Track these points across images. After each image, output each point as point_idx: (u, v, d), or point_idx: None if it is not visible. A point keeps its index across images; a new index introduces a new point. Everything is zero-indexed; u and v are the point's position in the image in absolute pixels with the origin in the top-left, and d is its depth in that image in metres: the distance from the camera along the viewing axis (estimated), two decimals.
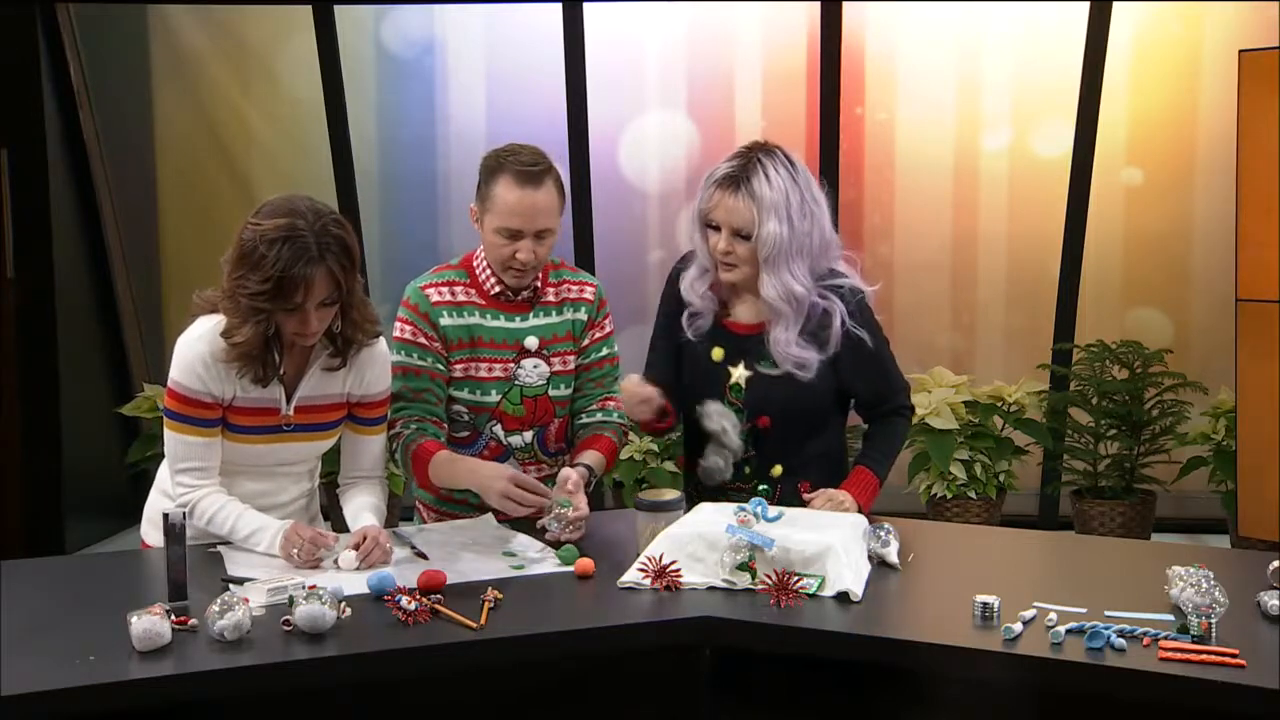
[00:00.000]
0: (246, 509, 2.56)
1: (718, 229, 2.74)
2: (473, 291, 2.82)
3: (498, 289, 2.81)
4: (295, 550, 2.45)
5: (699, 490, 2.88)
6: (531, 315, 2.84)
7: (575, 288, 2.89)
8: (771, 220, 2.68)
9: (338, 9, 5.48)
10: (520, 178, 2.69)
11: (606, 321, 2.92)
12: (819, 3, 5.39)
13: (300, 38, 5.61)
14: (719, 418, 2.79)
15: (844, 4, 5.40)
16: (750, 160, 2.72)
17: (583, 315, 2.88)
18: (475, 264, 2.84)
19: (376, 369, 2.68)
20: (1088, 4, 5.28)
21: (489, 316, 2.82)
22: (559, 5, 5.38)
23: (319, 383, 2.61)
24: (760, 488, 2.58)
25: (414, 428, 2.76)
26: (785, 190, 2.69)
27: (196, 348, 2.52)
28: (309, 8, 5.47)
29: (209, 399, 2.53)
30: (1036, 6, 5.52)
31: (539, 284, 2.83)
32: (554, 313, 2.85)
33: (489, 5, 5.68)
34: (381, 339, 2.68)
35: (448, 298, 2.81)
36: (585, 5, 5.40)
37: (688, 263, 2.90)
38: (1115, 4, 5.27)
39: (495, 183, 2.71)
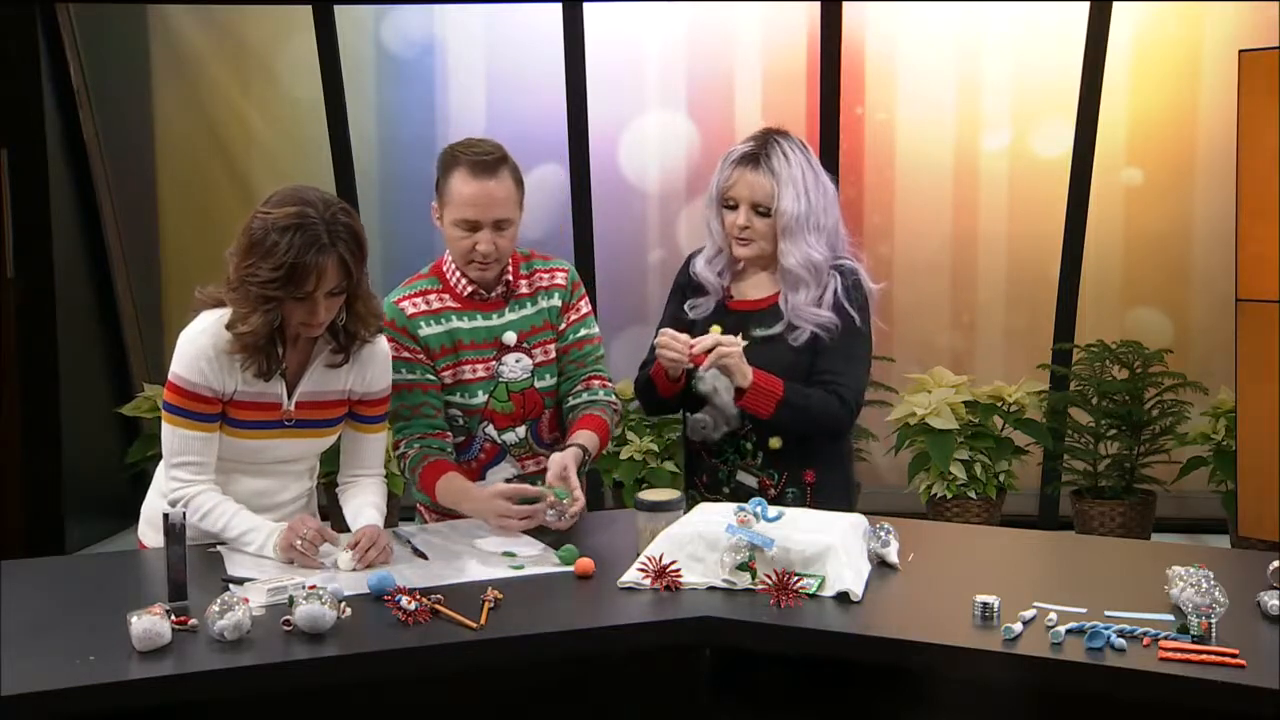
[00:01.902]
0: (241, 509, 2.55)
1: (734, 207, 2.85)
2: (446, 296, 2.81)
3: (470, 289, 2.80)
4: (299, 541, 2.44)
5: (694, 458, 2.95)
6: (507, 310, 2.83)
7: (546, 275, 2.87)
8: (789, 193, 2.79)
9: (338, 9, 5.48)
10: (475, 169, 2.68)
11: (582, 303, 2.90)
12: (819, 3, 5.39)
13: (300, 38, 5.61)
14: (711, 379, 2.84)
15: (844, 4, 5.39)
16: (768, 140, 2.84)
17: (556, 301, 2.86)
18: (445, 268, 2.83)
19: (378, 366, 2.68)
20: (1088, 4, 5.27)
21: (466, 318, 2.81)
22: (559, 5, 5.38)
23: (321, 379, 2.62)
24: (789, 492, 2.66)
25: (417, 447, 2.78)
26: (801, 168, 2.82)
27: (199, 341, 2.52)
28: (309, 8, 5.47)
29: (209, 393, 2.52)
30: (1036, 6, 5.52)
31: (511, 278, 2.82)
32: (529, 304, 2.85)
33: (489, 5, 5.68)
34: (383, 336, 2.68)
35: (423, 307, 2.80)
36: (585, 5, 5.40)
37: (699, 252, 2.99)
38: (1115, 4, 5.26)
39: (451, 176, 2.71)
